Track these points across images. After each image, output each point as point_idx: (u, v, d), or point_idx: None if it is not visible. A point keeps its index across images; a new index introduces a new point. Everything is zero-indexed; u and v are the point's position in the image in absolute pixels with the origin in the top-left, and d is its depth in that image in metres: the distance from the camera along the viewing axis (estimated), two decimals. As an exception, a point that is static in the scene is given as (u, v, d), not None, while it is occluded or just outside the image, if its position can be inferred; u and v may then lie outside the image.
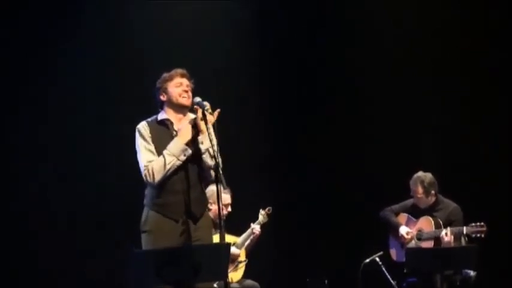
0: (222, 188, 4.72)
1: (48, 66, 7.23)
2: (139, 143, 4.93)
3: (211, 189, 6.23)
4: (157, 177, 4.84)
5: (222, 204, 4.78)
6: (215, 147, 4.78)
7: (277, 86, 8.03)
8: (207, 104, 4.87)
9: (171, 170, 4.84)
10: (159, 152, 4.89)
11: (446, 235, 6.28)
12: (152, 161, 4.86)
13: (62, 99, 7.25)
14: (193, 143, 4.91)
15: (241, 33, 7.89)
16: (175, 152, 4.86)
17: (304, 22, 8.07)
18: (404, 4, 7.88)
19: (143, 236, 4.89)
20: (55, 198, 7.14)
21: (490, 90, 7.75)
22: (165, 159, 4.83)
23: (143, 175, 4.88)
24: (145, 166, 4.87)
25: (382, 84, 7.91)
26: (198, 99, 4.92)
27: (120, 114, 6.96)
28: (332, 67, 8.07)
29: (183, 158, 4.86)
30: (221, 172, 4.70)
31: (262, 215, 6.64)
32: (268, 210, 6.64)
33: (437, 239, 6.42)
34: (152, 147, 4.91)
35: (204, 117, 4.85)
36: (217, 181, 4.73)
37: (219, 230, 4.74)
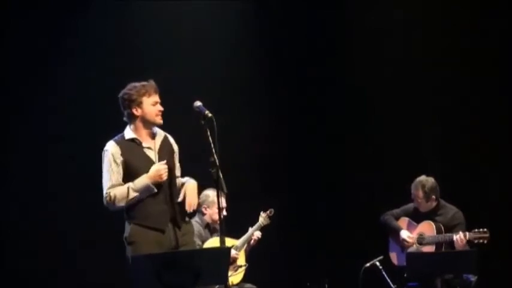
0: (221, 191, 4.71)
1: (48, 66, 7.22)
2: (107, 163, 4.82)
3: (206, 193, 6.25)
4: (117, 205, 4.80)
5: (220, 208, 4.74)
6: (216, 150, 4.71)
7: (277, 86, 8.02)
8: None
9: (131, 203, 4.80)
10: (131, 172, 4.81)
11: (461, 238, 6.23)
12: (115, 188, 4.79)
13: (61, 100, 7.24)
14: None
15: (242, 33, 7.88)
16: (140, 189, 4.78)
17: (305, 22, 8.06)
18: (404, 4, 7.86)
19: (129, 248, 4.81)
20: (54, 199, 7.13)
21: (492, 91, 7.74)
22: (128, 193, 4.77)
23: (104, 198, 4.82)
24: (107, 192, 4.80)
25: (382, 84, 7.90)
26: (198, 103, 4.84)
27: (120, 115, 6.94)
28: (332, 67, 8.06)
29: (146, 195, 4.80)
30: (221, 176, 4.68)
31: (263, 217, 6.57)
32: (270, 212, 6.58)
33: (439, 244, 6.41)
34: (120, 170, 4.81)
35: (204, 120, 4.78)
36: (217, 185, 4.69)
37: (218, 234, 4.75)
